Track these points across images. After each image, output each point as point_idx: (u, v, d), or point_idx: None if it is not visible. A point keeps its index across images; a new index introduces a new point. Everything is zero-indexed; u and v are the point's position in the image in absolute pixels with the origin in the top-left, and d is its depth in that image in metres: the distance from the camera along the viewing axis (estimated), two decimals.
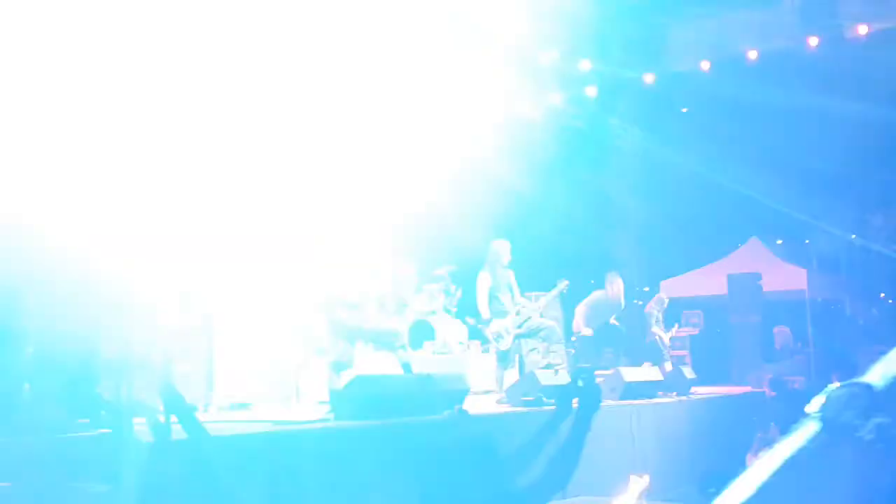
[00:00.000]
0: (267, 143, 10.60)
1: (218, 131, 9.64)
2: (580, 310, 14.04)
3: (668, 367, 13.89)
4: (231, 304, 10.94)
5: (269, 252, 17.09)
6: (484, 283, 10.40)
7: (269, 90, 10.45)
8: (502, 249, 10.33)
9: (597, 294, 13.79)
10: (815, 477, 0.89)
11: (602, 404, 8.79)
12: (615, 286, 13.39)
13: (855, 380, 0.88)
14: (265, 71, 10.38)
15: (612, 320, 13.69)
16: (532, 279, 15.77)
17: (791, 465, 0.91)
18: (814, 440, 0.93)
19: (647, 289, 19.36)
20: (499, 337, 10.19)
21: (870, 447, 0.86)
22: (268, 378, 10.80)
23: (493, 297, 10.32)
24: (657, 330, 15.31)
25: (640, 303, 19.43)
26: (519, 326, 10.54)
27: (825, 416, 0.93)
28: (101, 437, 3.35)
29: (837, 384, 0.93)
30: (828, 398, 0.93)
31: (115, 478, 3.68)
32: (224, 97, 9.73)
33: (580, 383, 3.35)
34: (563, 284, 12.19)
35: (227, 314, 10.77)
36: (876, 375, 0.90)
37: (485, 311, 10.30)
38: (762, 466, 0.95)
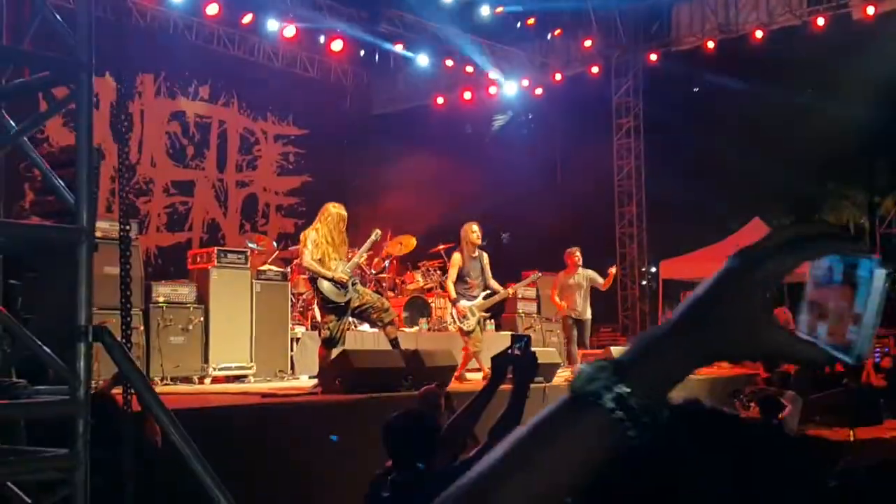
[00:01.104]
0: None
1: None
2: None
3: None
4: (226, 276, 10.94)
5: (263, 223, 17.03)
6: (455, 263, 10.40)
7: None
8: (472, 231, 10.24)
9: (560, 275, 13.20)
10: (554, 443, 0.91)
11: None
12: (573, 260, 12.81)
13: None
14: None
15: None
16: (531, 260, 15.75)
17: (535, 433, 0.92)
18: (560, 409, 0.94)
19: (644, 269, 19.28)
20: (464, 318, 10.19)
21: (610, 416, 0.89)
22: (261, 351, 10.84)
23: (462, 279, 10.32)
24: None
25: (646, 283, 19.37)
26: (486, 311, 10.62)
27: (573, 387, 0.94)
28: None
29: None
30: (577, 371, 0.94)
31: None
32: None
33: (516, 351, 3.28)
34: (535, 275, 12.29)
35: (222, 286, 10.78)
36: (622, 351, 0.94)
37: (451, 292, 10.31)
38: (513, 435, 0.95)
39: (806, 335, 0.96)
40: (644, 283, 19.27)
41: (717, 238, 18.11)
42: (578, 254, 12.57)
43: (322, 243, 9.09)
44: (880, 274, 0.92)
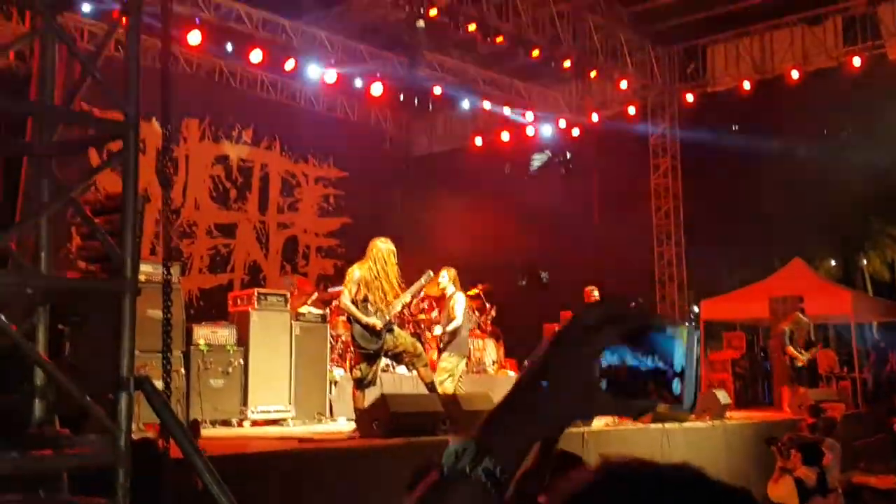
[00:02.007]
0: None
1: None
2: None
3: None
4: (266, 318, 11.09)
5: (303, 265, 17.20)
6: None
7: None
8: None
9: None
10: None
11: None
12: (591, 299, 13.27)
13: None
14: None
15: None
16: (572, 299, 15.75)
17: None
18: (438, 484, 1.11)
19: (687, 308, 19.16)
20: None
21: (482, 486, 1.05)
22: (300, 394, 10.94)
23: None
24: (792, 350, 14.64)
25: (693, 323, 19.23)
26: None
27: (444, 465, 1.11)
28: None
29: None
30: (444, 452, 1.11)
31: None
32: None
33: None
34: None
35: (262, 328, 10.92)
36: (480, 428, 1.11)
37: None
38: None
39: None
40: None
41: (758, 277, 17.97)
42: (596, 292, 12.96)
43: (369, 281, 9.02)
44: (690, 332, 1.09)
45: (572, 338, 1.12)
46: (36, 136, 3.57)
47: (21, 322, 3.78)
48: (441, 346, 10.47)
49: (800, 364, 14.24)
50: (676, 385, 1.11)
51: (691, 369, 1.09)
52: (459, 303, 10.48)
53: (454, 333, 10.35)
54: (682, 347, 1.10)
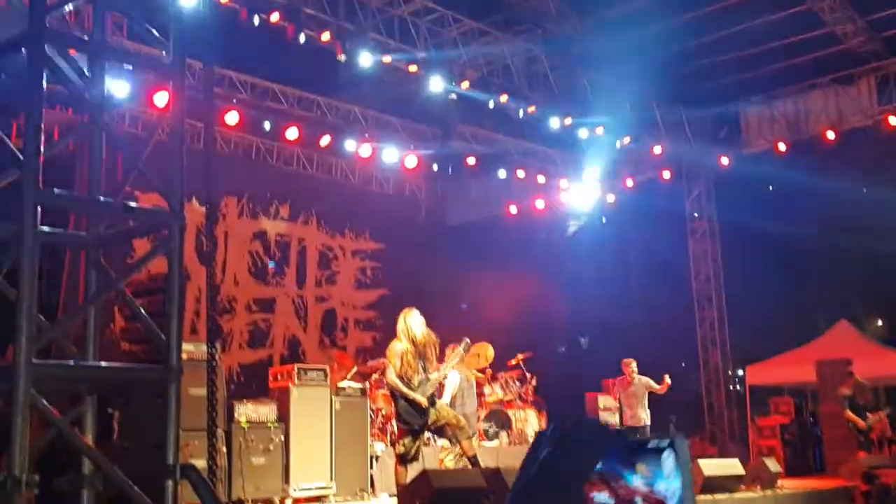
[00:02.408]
0: None
1: None
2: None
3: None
4: (307, 394, 11.08)
5: (342, 338, 17.22)
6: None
7: None
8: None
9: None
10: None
11: None
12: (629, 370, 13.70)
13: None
14: None
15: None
16: (614, 370, 15.65)
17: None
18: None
19: (730, 373, 18.86)
20: None
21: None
22: (341, 470, 10.86)
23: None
24: (851, 415, 14.11)
25: (732, 389, 18.93)
26: None
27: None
28: None
29: None
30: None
31: None
32: None
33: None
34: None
35: (303, 404, 10.91)
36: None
37: None
38: None
39: None
40: (730, 388, 18.83)
41: (803, 341, 17.69)
42: (634, 364, 13.40)
43: (408, 355, 9.01)
44: (681, 442, 1.17)
45: (562, 458, 1.23)
46: (81, 226, 3.66)
47: (68, 410, 3.81)
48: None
49: (862, 428, 13.93)
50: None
51: (688, 481, 1.20)
52: (449, 381, 10.35)
53: None
54: (675, 460, 1.18)
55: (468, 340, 9.80)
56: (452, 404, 10.50)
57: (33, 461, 3.68)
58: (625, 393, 13.82)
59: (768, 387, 18.32)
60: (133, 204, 3.75)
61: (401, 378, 8.94)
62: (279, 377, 11.46)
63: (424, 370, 9.00)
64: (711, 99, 17.60)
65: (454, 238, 20.73)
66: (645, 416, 13.64)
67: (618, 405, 14.64)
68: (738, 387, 19.55)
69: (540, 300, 18.94)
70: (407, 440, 9.07)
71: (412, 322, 9.14)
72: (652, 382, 13.73)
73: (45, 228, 3.37)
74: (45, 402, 3.07)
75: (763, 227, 19.04)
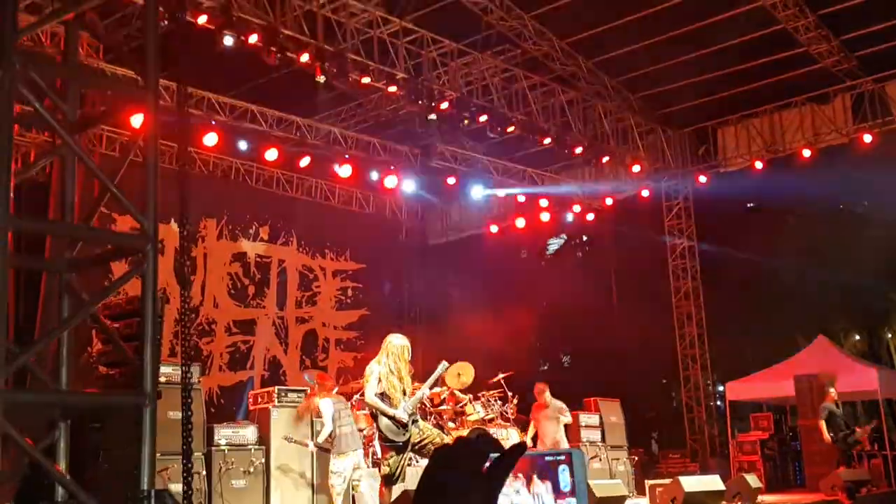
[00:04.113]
0: None
1: None
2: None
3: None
4: (287, 415, 11.03)
5: (323, 358, 17.15)
6: None
7: None
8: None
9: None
10: None
11: None
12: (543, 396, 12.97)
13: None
14: None
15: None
16: (595, 387, 15.65)
17: None
18: None
19: (711, 388, 18.92)
20: None
21: None
22: (323, 490, 10.80)
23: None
24: (822, 427, 13.96)
25: (713, 405, 18.97)
26: None
27: None
28: None
29: None
30: None
31: None
32: None
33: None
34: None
35: (283, 425, 10.85)
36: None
37: None
38: None
39: None
40: (711, 404, 18.87)
41: (783, 356, 17.76)
42: (547, 390, 13.02)
43: (387, 376, 9.01)
44: (577, 455, 1.45)
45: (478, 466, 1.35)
46: (55, 251, 3.63)
47: (43, 438, 3.78)
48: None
49: (826, 442, 13.91)
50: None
51: (582, 483, 1.44)
52: (323, 409, 10.31)
53: (331, 438, 10.14)
54: (566, 472, 1.47)
55: (445, 363, 9.78)
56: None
57: (14, 489, 3.65)
58: (539, 418, 12.96)
59: (748, 402, 18.39)
60: (107, 227, 3.73)
61: (380, 397, 8.91)
62: (259, 399, 11.40)
63: (404, 392, 8.99)
64: (689, 118, 17.76)
65: (435, 258, 20.75)
66: (563, 442, 12.65)
67: (599, 424, 14.62)
68: (718, 402, 19.61)
69: (521, 318, 18.97)
70: (392, 459, 9.03)
71: (393, 346, 9.14)
72: (565, 411, 12.95)
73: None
74: (13, 431, 3.03)
75: (742, 243, 19.16)
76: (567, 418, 12.90)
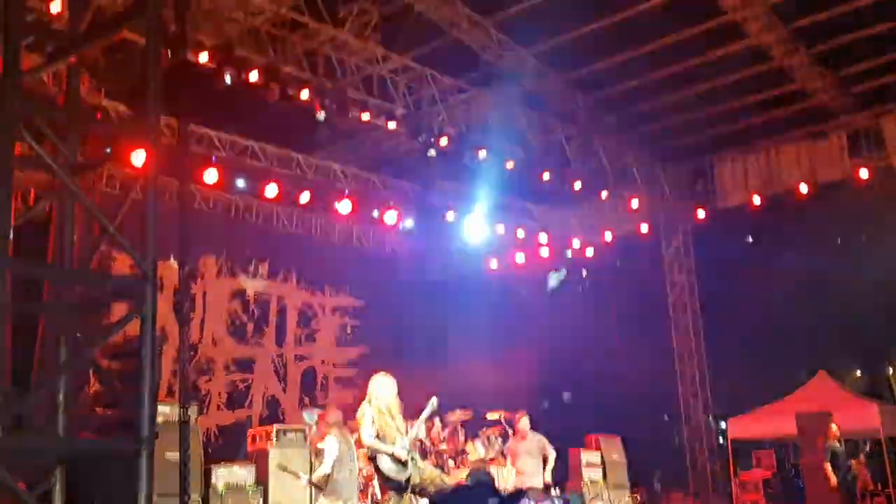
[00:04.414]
0: None
1: None
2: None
3: None
4: (285, 455, 10.93)
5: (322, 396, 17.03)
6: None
7: None
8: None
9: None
10: None
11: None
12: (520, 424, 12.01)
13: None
14: None
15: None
16: (596, 424, 15.55)
17: None
18: None
19: (713, 426, 18.79)
20: None
21: None
22: None
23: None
24: (828, 469, 13.78)
25: (715, 443, 18.84)
26: None
27: None
28: None
29: None
30: None
31: None
32: None
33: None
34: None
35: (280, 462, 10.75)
36: None
37: None
38: None
39: None
40: (713, 441, 18.74)
41: (784, 393, 17.67)
42: (526, 419, 12.10)
43: (379, 416, 8.96)
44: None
45: None
46: (54, 293, 3.62)
47: (40, 482, 3.73)
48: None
49: (833, 485, 13.76)
50: None
51: None
52: (326, 449, 10.14)
53: (326, 478, 9.97)
54: None
55: (435, 399, 9.70)
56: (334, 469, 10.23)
57: None
58: (518, 451, 11.95)
59: (750, 440, 18.24)
60: (107, 270, 3.71)
61: (376, 436, 8.84)
62: (257, 439, 11.31)
63: (398, 429, 8.92)
64: (687, 154, 17.82)
65: (434, 294, 20.70)
66: (538, 478, 11.73)
67: (601, 462, 14.47)
68: (720, 440, 19.47)
69: (521, 354, 18.87)
70: (392, 499, 8.93)
71: (380, 385, 9.07)
72: (548, 446, 11.89)
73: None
74: (8, 477, 2.99)
75: (741, 279, 19.13)
76: (551, 453, 11.85)
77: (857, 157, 16.02)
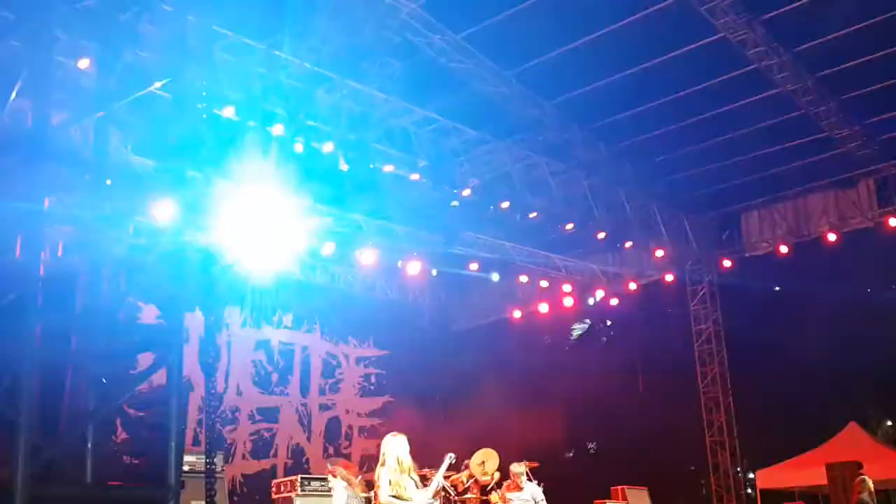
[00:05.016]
0: None
1: None
2: None
3: None
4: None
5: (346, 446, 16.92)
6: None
7: None
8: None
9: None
10: None
11: None
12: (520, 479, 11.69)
13: None
14: None
15: None
16: (622, 475, 15.34)
17: None
18: None
19: (741, 478, 18.50)
20: None
21: None
22: None
23: None
24: None
25: (750, 492, 18.52)
26: None
27: None
28: None
29: None
30: None
31: None
32: None
33: None
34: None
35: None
36: None
37: None
38: None
39: None
40: (741, 493, 18.43)
41: (813, 443, 17.40)
42: (526, 469, 11.91)
43: (396, 476, 8.95)
44: None
45: None
46: (81, 343, 3.67)
47: None
48: None
49: None
50: None
51: None
52: (335, 494, 10.02)
53: None
54: None
55: (453, 455, 9.61)
56: None
57: None
58: (509, 499, 11.72)
59: (780, 491, 17.93)
60: (134, 321, 3.77)
61: (395, 497, 8.81)
62: (282, 488, 11.26)
63: (415, 486, 8.89)
64: (712, 202, 17.78)
65: (458, 344, 20.66)
66: None
67: None
68: (748, 490, 19.15)
69: (545, 404, 18.74)
70: None
71: (392, 446, 9.04)
72: (537, 492, 11.68)
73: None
74: None
75: (769, 328, 18.96)
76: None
77: (885, 206, 15.93)
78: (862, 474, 14.44)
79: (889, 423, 23.09)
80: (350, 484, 10.73)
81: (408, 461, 9.07)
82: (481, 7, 12.87)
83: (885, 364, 18.93)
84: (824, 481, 15.63)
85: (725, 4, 12.32)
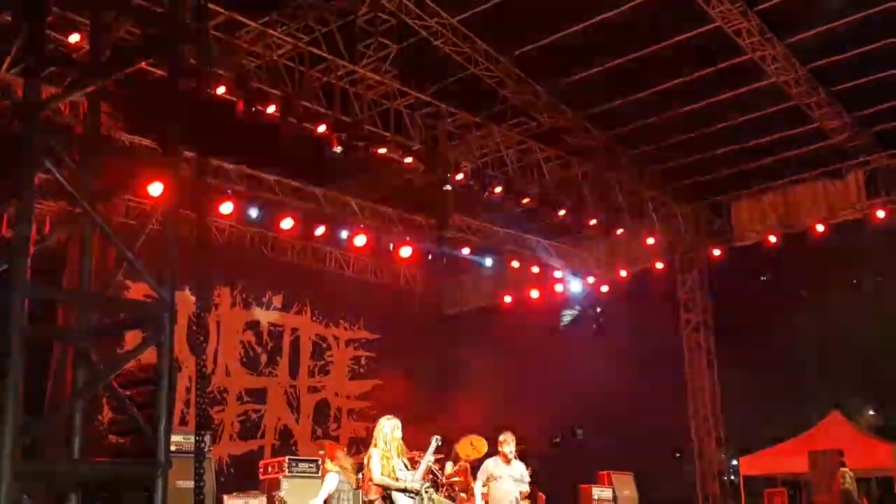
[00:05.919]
0: None
1: None
2: None
3: None
4: (298, 486, 10.90)
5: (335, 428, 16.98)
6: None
7: None
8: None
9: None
10: None
11: None
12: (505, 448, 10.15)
13: None
14: None
15: None
16: (608, 460, 15.42)
17: None
18: None
19: (725, 464, 18.62)
20: None
21: None
22: None
23: None
24: None
25: (727, 479, 18.66)
26: None
27: None
28: None
29: None
30: None
31: None
32: None
33: None
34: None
35: (294, 496, 10.73)
36: None
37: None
38: None
39: None
40: (724, 479, 18.55)
41: (797, 431, 17.54)
42: (512, 442, 10.87)
43: (387, 458, 9.02)
44: None
45: None
46: (68, 319, 3.66)
47: None
48: None
49: None
50: None
51: None
52: (325, 482, 9.99)
53: None
54: None
55: (439, 437, 9.63)
56: None
57: None
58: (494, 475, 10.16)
59: (762, 477, 18.08)
60: (122, 297, 3.77)
61: (387, 477, 8.89)
62: (269, 469, 11.29)
63: (405, 467, 8.97)
64: (703, 192, 17.82)
65: (448, 328, 20.69)
66: None
67: (612, 498, 14.32)
68: (732, 477, 19.28)
69: (534, 389, 18.80)
70: None
71: (385, 429, 9.09)
72: (527, 477, 10.25)
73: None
74: (27, 501, 3.02)
75: (756, 317, 19.05)
76: (525, 487, 10.33)
77: (873, 197, 15.99)
78: (842, 461, 14.59)
79: (871, 412, 23.25)
80: (344, 470, 10.77)
81: (400, 444, 9.16)
82: None
83: (868, 354, 19.07)
84: (807, 468, 15.77)
85: None
